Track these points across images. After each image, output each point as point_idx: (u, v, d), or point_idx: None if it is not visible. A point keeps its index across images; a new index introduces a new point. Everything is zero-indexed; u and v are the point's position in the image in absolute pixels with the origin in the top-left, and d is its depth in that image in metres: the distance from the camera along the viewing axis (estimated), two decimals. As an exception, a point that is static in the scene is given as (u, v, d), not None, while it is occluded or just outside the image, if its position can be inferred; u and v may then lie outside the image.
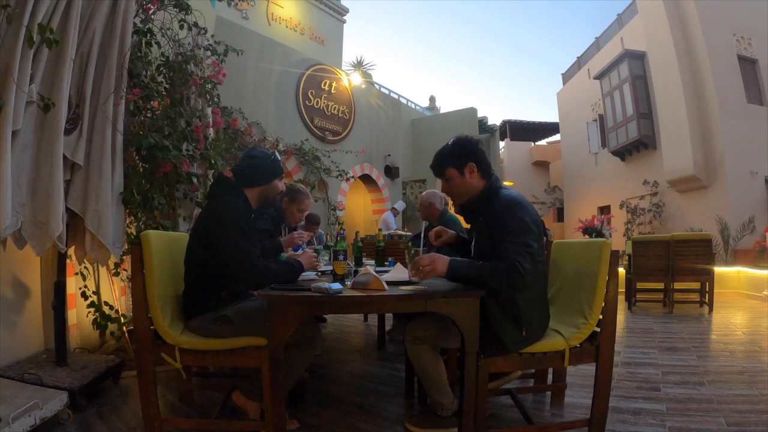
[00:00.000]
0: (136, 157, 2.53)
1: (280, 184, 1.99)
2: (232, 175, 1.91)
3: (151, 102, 2.70)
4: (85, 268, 2.67)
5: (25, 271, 2.43)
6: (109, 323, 2.70)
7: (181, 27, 2.80)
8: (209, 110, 3.05)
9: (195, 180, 2.80)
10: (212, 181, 2.13)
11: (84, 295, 2.66)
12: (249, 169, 1.88)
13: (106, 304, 2.73)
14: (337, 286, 1.56)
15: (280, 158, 2.02)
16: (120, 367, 2.42)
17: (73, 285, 2.65)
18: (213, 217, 1.72)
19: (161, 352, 1.63)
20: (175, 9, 2.77)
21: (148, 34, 2.60)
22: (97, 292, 2.75)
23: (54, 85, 1.98)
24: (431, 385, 1.80)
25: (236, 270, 1.66)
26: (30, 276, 2.48)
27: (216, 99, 3.09)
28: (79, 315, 2.71)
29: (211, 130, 3.06)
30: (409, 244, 1.62)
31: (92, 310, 2.67)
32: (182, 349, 1.63)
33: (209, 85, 2.98)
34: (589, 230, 6.87)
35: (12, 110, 1.77)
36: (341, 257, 1.80)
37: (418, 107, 14.94)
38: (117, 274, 2.74)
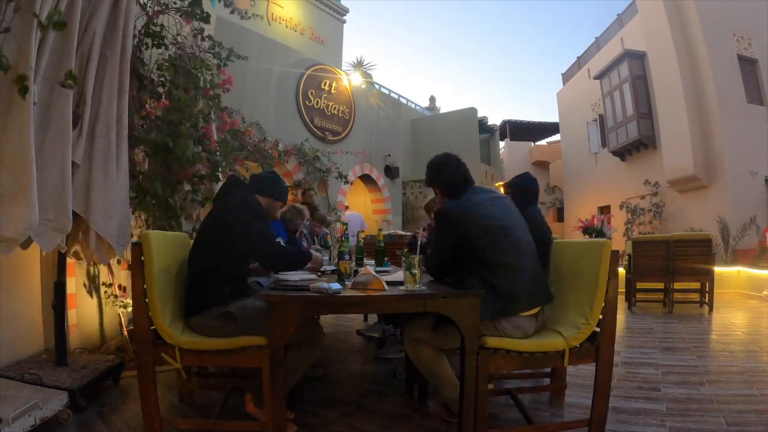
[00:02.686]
0: (143, 158, 2.54)
1: (279, 210, 2.24)
2: (251, 178, 2.12)
3: (154, 102, 2.70)
4: (93, 268, 2.68)
5: (25, 271, 2.43)
6: (122, 309, 2.73)
7: (195, 36, 2.83)
8: (214, 114, 3.07)
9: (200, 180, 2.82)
10: (224, 181, 2.20)
11: (96, 290, 2.68)
12: (270, 181, 2.11)
13: (115, 292, 2.76)
14: (336, 286, 1.57)
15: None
16: (120, 367, 2.42)
17: (73, 285, 2.65)
18: (233, 209, 1.83)
19: (161, 351, 1.63)
20: (179, 15, 2.77)
21: (155, 37, 2.60)
22: (111, 284, 2.77)
23: (54, 86, 1.97)
24: (439, 383, 1.81)
25: (256, 250, 1.83)
26: (30, 276, 2.48)
27: (218, 102, 3.10)
28: (79, 315, 2.71)
29: (215, 132, 3.08)
30: (406, 250, 1.66)
31: (108, 299, 2.70)
32: (182, 349, 1.63)
33: (214, 90, 3.00)
34: (589, 230, 6.86)
35: (32, 101, 1.75)
36: (346, 257, 1.85)
37: (418, 107, 14.95)
38: (119, 262, 2.75)
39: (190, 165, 2.57)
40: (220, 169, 2.95)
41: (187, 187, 2.73)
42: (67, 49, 1.97)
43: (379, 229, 3.00)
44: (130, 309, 2.73)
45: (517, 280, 1.70)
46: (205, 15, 2.78)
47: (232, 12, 3.35)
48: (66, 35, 1.97)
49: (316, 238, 4.59)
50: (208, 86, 2.87)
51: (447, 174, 1.91)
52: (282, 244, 2.28)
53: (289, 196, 8.16)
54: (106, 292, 2.74)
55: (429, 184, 2.00)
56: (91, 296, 2.69)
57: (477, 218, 1.74)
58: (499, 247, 1.71)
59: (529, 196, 2.53)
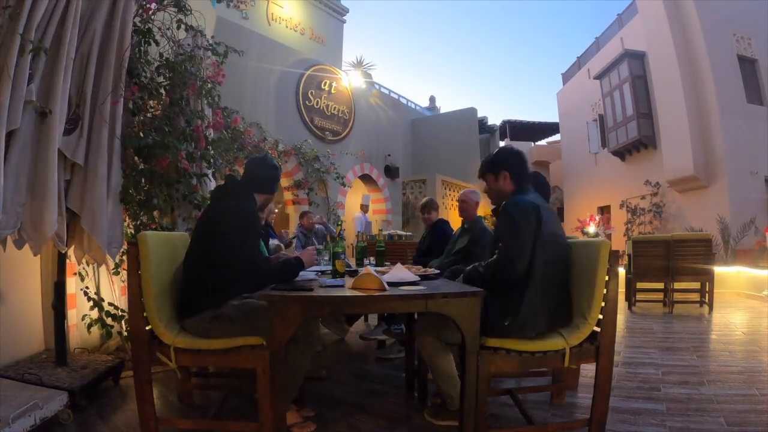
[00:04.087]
0: (136, 158, 2.53)
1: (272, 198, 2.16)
2: (246, 177, 1.96)
3: (151, 102, 2.70)
4: (84, 269, 2.68)
5: (25, 271, 2.43)
6: (113, 322, 2.70)
7: (179, 27, 2.80)
8: (209, 111, 3.05)
9: (194, 181, 2.80)
10: (222, 181, 2.17)
11: (87, 297, 2.66)
12: (268, 177, 1.99)
13: (111, 304, 2.74)
14: (335, 281, 1.57)
15: None
16: (120, 367, 2.42)
17: (73, 285, 2.65)
18: (227, 218, 1.74)
19: (157, 351, 1.64)
20: (174, 9, 2.77)
21: (147, 34, 2.60)
22: (97, 293, 2.75)
23: (53, 86, 1.97)
24: (439, 376, 1.82)
25: (242, 270, 1.71)
26: (30, 276, 2.47)
27: (216, 99, 3.08)
28: (79, 315, 2.71)
29: (211, 131, 3.06)
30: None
31: (89, 313, 2.67)
32: (177, 349, 1.63)
33: (209, 85, 2.98)
34: (584, 231, 6.88)
35: (6, 111, 1.76)
36: (342, 256, 1.93)
37: (418, 107, 14.94)
38: (117, 273, 2.74)
39: (173, 159, 2.54)
40: (207, 167, 2.93)
41: (180, 186, 2.72)
42: (60, 54, 1.98)
43: (380, 230, 3.00)
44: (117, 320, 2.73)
45: (550, 300, 1.65)
46: (185, 5, 2.76)
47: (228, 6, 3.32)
48: (60, 41, 1.97)
49: (310, 234, 4.58)
50: (199, 82, 2.85)
51: (520, 160, 1.85)
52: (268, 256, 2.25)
53: (289, 197, 8.16)
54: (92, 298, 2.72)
55: (497, 168, 1.86)
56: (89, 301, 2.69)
57: (544, 224, 1.65)
58: (551, 262, 1.66)
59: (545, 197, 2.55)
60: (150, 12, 2.70)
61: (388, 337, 3.22)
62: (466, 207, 3.06)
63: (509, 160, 1.85)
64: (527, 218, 1.64)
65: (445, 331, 1.77)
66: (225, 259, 1.70)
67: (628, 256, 5.10)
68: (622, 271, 5.08)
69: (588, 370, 2.34)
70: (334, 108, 8.23)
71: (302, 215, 5.10)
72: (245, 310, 1.73)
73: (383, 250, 2.71)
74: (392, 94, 11.81)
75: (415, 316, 2.24)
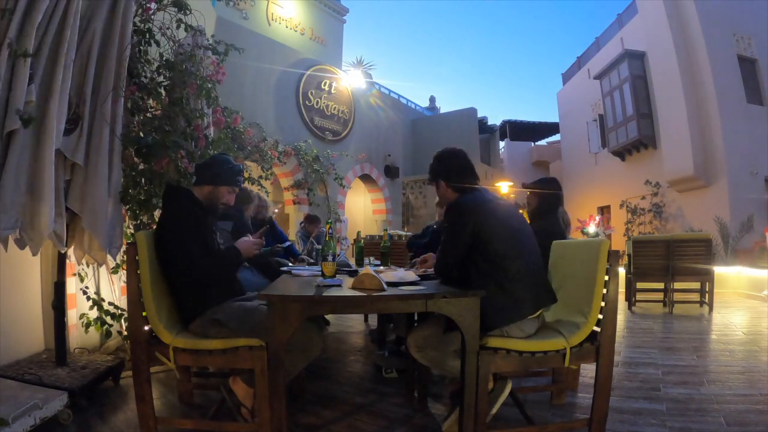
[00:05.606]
0: (135, 158, 2.53)
1: (228, 196, 1.97)
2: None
3: (151, 101, 2.69)
4: (83, 269, 2.68)
5: (25, 271, 2.43)
6: (113, 321, 2.70)
7: (178, 27, 2.79)
8: (209, 110, 3.05)
9: (194, 180, 2.80)
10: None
11: (87, 297, 2.66)
12: (204, 167, 1.97)
13: (111, 304, 2.74)
14: (332, 281, 1.56)
15: (242, 169, 2.06)
16: (120, 367, 2.42)
17: (73, 285, 2.65)
18: (162, 227, 1.77)
19: (156, 351, 1.64)
20: (173, 9, 2.76)
21: (147, 34, 2.60)
22: (97, 292, 2.75)
23: (51, 85, 1.97)
24: (457, 374, 1.78)
25: (182, 268, 1.70)
26: (30, 276, 2.47)
27: (215, 98, 3.08)
28: (79, 315, 2.71)
29: (211, 130, 3.06)
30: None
31: (87, 313, 2.67)
32: (176, 349, 1.63)
33: (209, 85, 2.97)
34: (584, 231, 6.88)
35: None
36: (330, 258, 1.79)
37: (418, 107, 14.96)
38: (116, 271, 2.74)
39: (173, 158, 2.54)
40: None
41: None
42: (60, 55, 1.97)
43: (385, 230, 2.99)
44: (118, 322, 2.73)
45: (527, 283, 1.69)
46: (185, 5, 2.74)
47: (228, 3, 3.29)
48: (60, 41, 1.97)
49: (312, 239, 4.60)
50: (199, 81, 2.85)
51: (455, 163, 1.88)
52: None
53: (289, 197, 8.17)
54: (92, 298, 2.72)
55: (434, 178, 1.92)
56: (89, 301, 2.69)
57: (491, 215, 1.71)
58: (512, 249, 1.69)
59: (557, 201, 2.67)
60: (150, 12, 2.70)
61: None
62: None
63: (441, 169, 1.90)
64: (461, 220, 1.71)
65: (441, 341, 1.76)
66: (181, 270, 1.71)
67: (628, 256, 5.10)
68: (622, 271, 5.08)
69: (588, 370, 2.34)
70: (334, 108, 8.24)
71: (310, 220, 5.14)
72: (241, 313, 1.72)
73: (387, 252, 2.71)
74: (392, 94, 11.82)
75: (415, 316, 2.24)
